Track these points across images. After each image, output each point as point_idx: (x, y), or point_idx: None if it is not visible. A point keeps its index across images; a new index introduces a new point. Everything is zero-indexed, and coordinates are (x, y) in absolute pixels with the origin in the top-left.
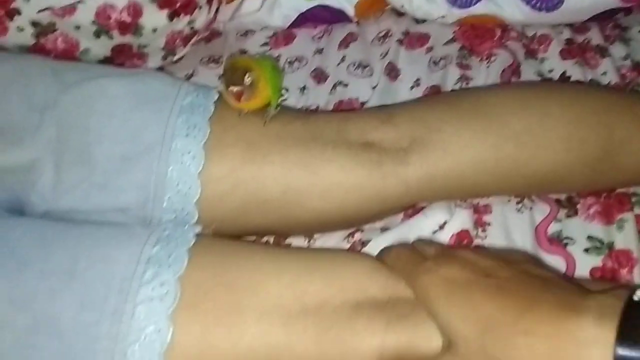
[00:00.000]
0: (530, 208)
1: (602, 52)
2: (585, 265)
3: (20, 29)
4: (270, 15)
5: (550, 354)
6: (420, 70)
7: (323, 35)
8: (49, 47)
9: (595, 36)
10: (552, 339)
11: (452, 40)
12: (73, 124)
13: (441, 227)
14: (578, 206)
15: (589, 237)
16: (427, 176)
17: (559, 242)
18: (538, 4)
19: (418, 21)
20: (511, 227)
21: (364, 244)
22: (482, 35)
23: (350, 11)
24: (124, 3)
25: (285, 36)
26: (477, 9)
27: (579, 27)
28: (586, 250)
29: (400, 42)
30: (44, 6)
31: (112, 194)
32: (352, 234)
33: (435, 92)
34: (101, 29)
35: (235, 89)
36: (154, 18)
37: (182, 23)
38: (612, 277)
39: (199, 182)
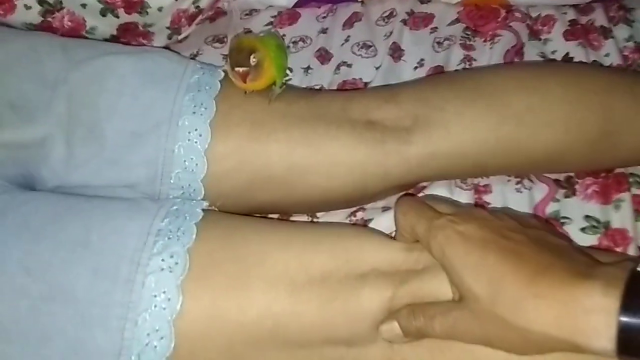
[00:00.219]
0: (530, 188)
1: (606, 33)
2: (581, 243)
3: (27, 7)
4: None
5: (557, 319)
6: (424, 50)
7: (327, 15)
8: (55, 25)
9: (599, 17)
10: (560, 304)
11: (456, 20)
12: (83, 101)
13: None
14: (576, 186)
15: (586, 217)
16: (429, 155)
17: (556, 221)
18: None
19: (422, 1)
20: (510, 207)
21: (366, 222)
22: (487, 16)
23: None
24: None
25: (289, 16)
26: None
27: (583, 8)
28: (582, 229)
29: (404, 22)
30: None
31: (123, 170)
32: (354, 213)
33: (438, 73)
34: (107, 8)
35: (241, 69)
36: None
37: (187, 2)
38: None
39: (205, 159)
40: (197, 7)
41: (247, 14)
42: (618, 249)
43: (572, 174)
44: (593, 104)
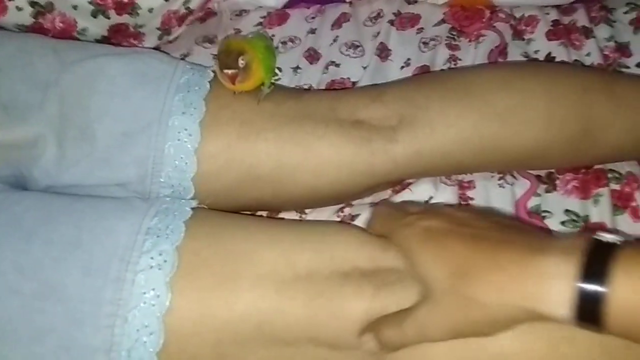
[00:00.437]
0: (512, 184)
1: (587, 33)
2: None
3: (19, 9)
4: None
5: (517, 289)
6: (410, 50)
7: (316, 15)
8: (47, 26)
9: (581, 17)
10: (520, 275)
11: (442, 21)
12: (75, 102)
13: (427, 202)
14: (557, 182)
15: (566, 211)
16: (415, 153)
17: (537, 215)
18: None
19: (409, 2)
20: (493, 202)
21: (353, 218)
22: (472, 17)
23: None
24: None
25: (279, 16)
26: None
27: (566, 9)
28: (562, 222)
29: (391, 22)
30: None
31: (114, 169)
32: (341, 209)
33: (424, 72)
34: (98, 9)
35: (229, 71)
36: None
37: (177, 3)
38: None
39: (195, 158)
40: (188, 8)
41: (237, 15)
42: None
43: (553, 170)
44: (573, 103)
